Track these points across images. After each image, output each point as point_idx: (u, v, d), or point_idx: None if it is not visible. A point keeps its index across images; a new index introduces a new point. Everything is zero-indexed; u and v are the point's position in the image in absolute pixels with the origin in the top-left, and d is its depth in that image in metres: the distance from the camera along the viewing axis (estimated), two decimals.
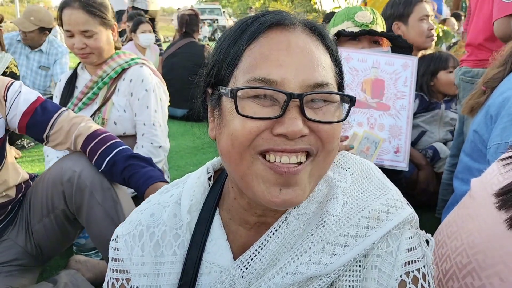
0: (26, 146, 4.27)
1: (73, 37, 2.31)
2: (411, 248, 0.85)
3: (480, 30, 2.66)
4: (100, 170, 1.77)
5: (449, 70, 3.01)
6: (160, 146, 2.46)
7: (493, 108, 1.74)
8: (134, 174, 1.73)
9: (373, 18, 2.11)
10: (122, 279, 0.96)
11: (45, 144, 1.86)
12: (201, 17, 6.16)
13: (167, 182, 1.18)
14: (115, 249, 0.97)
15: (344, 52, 1.94)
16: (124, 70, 2.46)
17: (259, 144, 0.75)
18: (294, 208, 0.85)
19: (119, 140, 1.84)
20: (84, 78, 2.50)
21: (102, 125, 2.39)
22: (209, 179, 0.96)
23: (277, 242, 0.85)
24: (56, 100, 2.56)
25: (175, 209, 0.94)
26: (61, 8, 2.32)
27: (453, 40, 5.70)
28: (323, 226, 0.83)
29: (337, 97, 0.79)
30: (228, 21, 30.57)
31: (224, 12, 31.35)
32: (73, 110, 2.44)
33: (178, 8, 13.31)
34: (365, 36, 2.11)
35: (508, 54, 1.83)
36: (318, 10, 11.17)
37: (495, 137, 1.67)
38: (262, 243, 0.85)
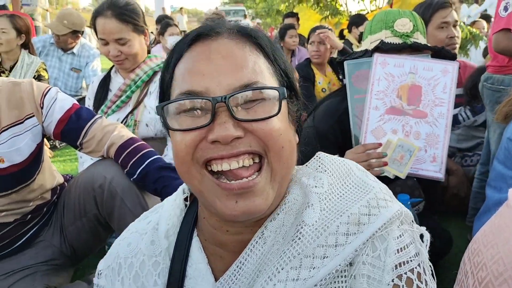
0: (58, 146, 4.39)
1: (108, 45, 2.36)
2: (401, 248, 0.77)
3: None
4: (132, 179, 1.81)
5: None
6: None
7: None
8: (167, 185, 1.76)
9: (414, 25, 2.05)
10: None
11: (79, 151, 1.91)
12: (226, 18, 6.20)
13: None
14: (97, 286, 0.96)
15: (380, 57, 1.90)
16: (155, 73, 2.50)
17: (200, 155, 0.74)
18: (271, 221, 0.81)
19: (151, 149, 1.87)
20: (117, 82, 2.56)
21: (134, 127, 2.44)
22: (186, 199, 0.93)
23: (255, 260, 0.80)
24: (89, 102, 2.62)
25: (152, 236, 0.91)
26: (94, 17, 2.37)
27: (482, 44, 5.56)
28: (299, 239, 0.77)
29: (272, 94, 0.76)
30: (252, 23, 30.65)
31: (248, 13, 31.44)
32: (106, 112, 2.50)
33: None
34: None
35: None
36: (343, 12, 11.10)
37: None
38: (241, 262, 0.81)
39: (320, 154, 0.91)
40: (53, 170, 2.00)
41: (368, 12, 10.07)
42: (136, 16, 2.39)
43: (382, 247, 0.77)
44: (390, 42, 2.00)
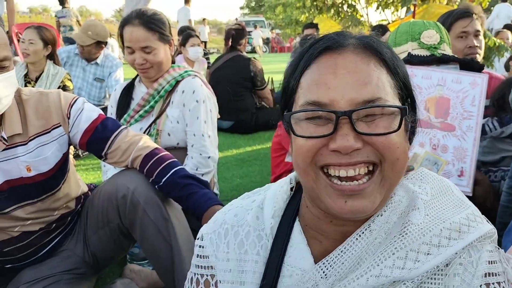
0: (81, 155, 4.44)
1: (134, 53, 2.40)
2: (491, 261, 0.85)
3: None
4: (157, 187, 1.82)
5: None
6: (209, 157, 2.49)
7: None
8: (193, 193, 1.77)
9: (440, 37, 2.02)
10: (207, 275, 1.01)
11: (103, 161, 1.93)
12: (246, 29, 6.24)
13: (223, 205, 1.23)
14: (200, 247, 1.03)
15: (408, 69, 1.89)
16: (178, 82, 2.52)
17: (319, 159, 0.82)
18: (377, 216, 0.88)
19: (175, 160, 1.88)
20: (141, 91, 2.58)
21: (157, 136, 2.46)
22: (291, 189, 1.02)
23: (359, 247, 0.87)
24: (112, 110, 2.65)
25: (257, 213, 1.00)
26: (122, 26, 2.42)
27: (507, 54, 5.46)
28: (406, 234, 0.85)
29: (393, 110, 0.82)
30: (272, 33, 30.78)
31: (268, 24, 31.61)
32: (129, 121, 2.52)
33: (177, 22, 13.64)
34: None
35: None
36: (364, 23, 11.07)
37: None
38: (345, 248, 0.88)
39: (422, 169, 0.99)
40: (78, 179, 2.02)
41: (389, 23, 10.01)
42: (162, 26, 2.44)
43: (477, 255, 0.85)
44: (418, 55, 1.97)
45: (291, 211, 0.98)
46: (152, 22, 2.39)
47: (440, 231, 0.85)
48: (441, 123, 1.84)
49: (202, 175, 2.45)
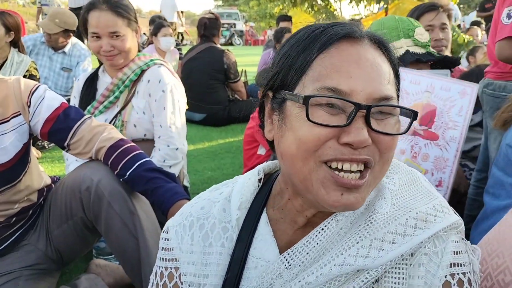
0: (47, 147, 4.31)
1: (100, 39, 2.31)
2: (457, 252, 0.85)
3: None
4: (122, 180, 1.76)
5: None
6: (177, 148, 2.43)
7: None
8: (158, 187, 1.72)
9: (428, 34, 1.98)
10: (171, 268, 1.00)
11: (66, 152, 1.85)
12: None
13: (189, 199, 1.21)
14: (165, 239, 1.02)
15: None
16: (143, 71, 2.45)
17: (325, 153, 0.78)
18: None
19: (141, 151, 1.82)
20: (105, 81, 2.50)
21: (122, 127, 2.39)
22: (259, 181, 1.00)
23: (325, 238, 0.87)
24: (75, 100, 2.55)
25: (224, 205, 0.99)
26: (88, 10, 2.32)
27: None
28: (371, 223, 0.85)
29: (398, 110, 0.83)
30: (246, 26, 30.66)
31: (242, 16, 31.47)
32: (93, 113, 2.44)
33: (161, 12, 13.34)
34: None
35: None
36: (337, 16, 11.13)
37: None
38: (311, 238, 0.88)
39: (393, 160, 0.95)
40: (41, 171, 1.94)
41: (362, 17, 10.09)
42: (130, 11, 2.37)
43: (442, 245, 0.85)
44: (416, 52, 1.93)
45: (258, 203, 0.97)
46: (120, 7, 2.32)
47: (406, 220, 0.85)
48: (425, 131, 1.80)
49: (170, 167, 2.40)
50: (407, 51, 1.95)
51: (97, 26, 2.29)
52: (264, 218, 0.95)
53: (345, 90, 0.77)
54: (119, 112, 2.42)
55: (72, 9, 6.97)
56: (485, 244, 1.15)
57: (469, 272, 0.85)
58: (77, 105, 2.52)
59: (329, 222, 0.88)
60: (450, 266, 0.83)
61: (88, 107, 2.45)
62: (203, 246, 0.96)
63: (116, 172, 1.75)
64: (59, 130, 1.75)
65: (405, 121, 0.84)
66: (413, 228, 0.85)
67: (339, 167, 0.78)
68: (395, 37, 2.02)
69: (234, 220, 0.95)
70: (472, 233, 1.94)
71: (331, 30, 0.82)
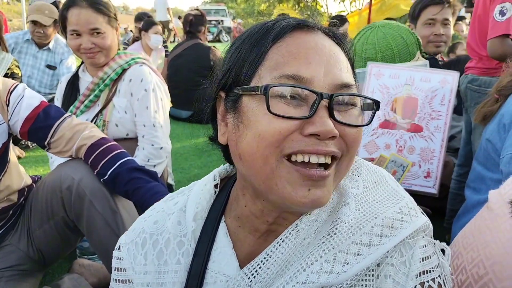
0: (30, 146, 4.26)
1: (80, 37, 2.29)
2: (425, 257, 0.81)
3: (484, 40, 2.57)
4: (102, 180, 1.74)
5: None
6: (161, 148, 2.42)
7: (506, 116, 1.71)
8: (138, 188, 1.69)
9: None
10: None
11: (47, 151, 1.83)
12: (207, 18, 6.14)
13: None
14: (118, 258, 0.96)
15: (375, 68, 1.82)
16: (124, 70, 2.42)
17: (288, 146, 0.73)
18: (306, 215, 0.83)
19: (123, 150, 1.80)
20: (86, 81, 2.47)
21: (103, 127, 2.36)
22: (215, 186, 0.94)
23: (286, 250, 0.82)
24: (58, 103, 2.52)
25: (179, 217, 0.92)
26: (67, 7, 2.28)
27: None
28: (335, 234, 0.80)
29: (360, 102, 0.79)
30: (234, 23, 30.58)
31: (229, 13, 31.37)
32: (75, 113, 2.41)
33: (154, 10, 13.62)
34: None
35: None
36: (323, 13, 11.16)
37: (508, 146, 1.64)
38: (271, 251, 0.82)
39: (357, 159, 0.92)
40: (21, 171, 1.91)
41: (348, 13, 10.12)
42: (110, 9, 2.35)
43: (409, 253, 0.81)
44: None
45: (215, 212, 0.91)
46: (101, 4, 2.30)
47: (371, 229, 0.80)
48: (408, 124, 1.80)
49: (154, 166, 2.38)
50: (432, 58, 1.97)
51: (77, 23, 2.26)
52: (222, 228, 0.89)
53: (306, 77, 0.73)
54: (100, 111, 2.40)
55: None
56: (461, 238, 1.16)
57: (439, 275, 0.82)
58: (59, 106, 2.48)
59: (289, 233, 0.82)
60: (420, 275, 0.80)
61: (70, 107, 2.43)
62: (158, 264, 0.90)
63: (96, 171, 1.73)
64: (39, 128, 1.73)
65: (367, 114, 0.81)
66: (379, 237, 0.80)
67: (305, 160, 0.73)
68: (415, 54, 2.05)
69: (190, 232, 0.89)
70: (453, 227, 1.97)
71: (283, 22, 0.80)
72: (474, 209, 1.80)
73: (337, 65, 0.76)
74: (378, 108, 0.80)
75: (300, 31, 0.78)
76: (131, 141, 2.42)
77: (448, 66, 2.99)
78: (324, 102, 0.73)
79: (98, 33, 2.29)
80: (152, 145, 2.39)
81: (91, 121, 2.38)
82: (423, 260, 0.81)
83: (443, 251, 0.87)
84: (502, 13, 2.35)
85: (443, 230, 2.58)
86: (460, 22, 7.87)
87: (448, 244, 1.17)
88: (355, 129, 0.76)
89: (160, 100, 2.45)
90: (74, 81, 2.52)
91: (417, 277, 0.79)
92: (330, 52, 0.77)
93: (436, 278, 0.81)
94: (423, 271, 0.80)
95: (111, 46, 2.35)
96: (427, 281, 0.80)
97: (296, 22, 0.79)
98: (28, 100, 1.72)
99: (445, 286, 0.82)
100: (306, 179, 0.73)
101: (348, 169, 0.81)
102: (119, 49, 2.50)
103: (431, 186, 1.80)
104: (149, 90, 2.39)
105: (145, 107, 2.38)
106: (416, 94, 1.83)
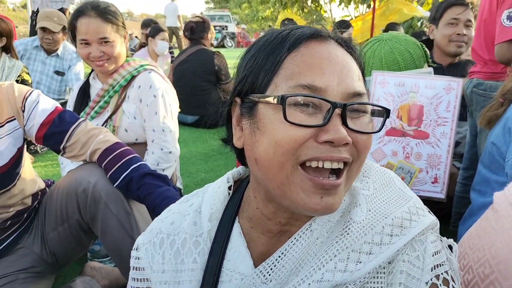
0: (40, 151, 4.31)
1: (89, 45, 2.33)
2: (436, 252, 0.85)
3: (490, 45, 2.58)
4: (115, 186, 1.78)
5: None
6: (170, 152, 2.46)
7: (511, 120, 1.73)
8: (150, 193, 1.73)
9: None
10: None
11: (61, 155, 1.87)
12: (211, 23, 6.19)
13: None
14: (136, 258, 0.99)
15: (380, 76, 1.84)
16: (133, 77, 2.47)
17: (304, 154, 0.76)
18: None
19: (136, 155, 1.84)
20: (96, 88, 2.52)
21: (113, 132, 2.40)
22: (229, 188, 0.97)
23: (300, 249, 0.85)
24: (70, 109, 2.57)
25: (195, 218, 0.95)
26: (76, 17, 2.33)
27: None
28: (348, 234, 0.84)
29: (370, 108, 0.82)
30: (238, 28, 30.68)
31: (233, 19, 31.48)
32: (85, 119, 2.45)
33: (164, 16, 13.91)
34: None
35: None
36: (327, 19, 11.20)
37: None
38: (286, 249, 0.86)
39: (366, 161, 0.94)
40: (34, 175, 1.95)
41: (352, 18, 10.16)
42: (118, 18, 2.39)
43: (421, 248, 0.84)
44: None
45: (229, 213, 0.94)
46: (109, 13, 2.34)
47: (382, 228, 0.84)
48: (415, 131, 1.82)
49: (163, 170, 2.42)
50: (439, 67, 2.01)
51: (86, 33, 2.31)
52: (236, 228, 0.92)
53: (320, 86, 0.76)
54: (110, 117, 2.44)
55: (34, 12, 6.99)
56: (467, 239, 1.19)
57: (449, 269, 0.85)
58: None
59: (303, 233, 0.86)
60: (434, 268, 0.83)
61: (81, 114, 2.48)
62: (175, 263, 0.94)
63: (109, 175, 1.77)
64: (54, 133, 1.77)
65: (377, 120, 0.85)
66: (390, 236, 0.83)
67: (319, 165, 0.76)
68: (423, 64, 2.08)
69: (205, 232, 0.93)
70: (459, 230, 1.98)
71: (298, 31, 0.83)
72: (479, 212, 1.82)
73: (350, 74, 0.79)
74: (388, 116, 0.83)
75: (315, 41, 0.81)
76: (140, 146, 2.46)
77: (448, 69, 3.02)
78: (338, 111, 0.75)
79: (106, 42, 2.33)
80: (162, 149, 2.43)
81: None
82: (435, 254, 0.84)
83: (450, 247, 0.90)
84: (510, 18, 2.36)
85: (449, 233, 2.60)
86: None
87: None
88: (366, 135, 0.79)
89: (169, 105, 2.49)
90: (85, 88, 2.57)
91: (432, 270, 0.82)
92: (343, 62, 0.80)
93: (448, 270, 0.84)
94: (437, 265, 0.83)
95: (119, 54, 2.40)
96: (442, 274, 0.83)
97: (310, 32, 0.82)
98: (43, 106, 1.76)
99: (455, 279, 0.86)
100: (319, 187, 0.76)
101: (358, 173, 0.84)
102: (128, 56, 2.55)
103: (439, 191, 1.82)
104: (158, 96, 2.43)
105: (154, 113, 2.43)
106: (422, 101, 1.86)
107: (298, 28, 0.84)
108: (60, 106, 1.84)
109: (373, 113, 0.83)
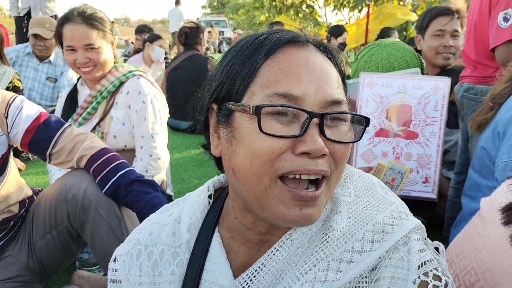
0: (31, 159, 4.27)
1: (75, 52, 2.32)
2: (421, 249, 0.81)
3: (481, 48, 2.56)
4: (103, 192, 1.76)
5: None
6: (159, 158, 2.44)
7: (500, 124, 1.72)
8: (137, 201, 1.71)
9: None
10: None
11: (48, 162, 1.85)
12: (207, 29, 6.21)
13: None
14: (113, 270, 0.97)
15: (367, 78, 1.84)
16: (122, 83, 2.45)
17: (281, 167, 0.73)
18: None
19: (123, 161, 1.82)
20: (84, 94, 2.50)
21: (102, 139, 2.38)
22: (210, 197, 0.94)
23: (280, 259, 0.82)
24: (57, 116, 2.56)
25: (174, 228, 0.93)
26: (62, 24, 2.32)
27: None
28: (327, 242, 0.81)
29: (349, 116, 0.79)
30: (234, 33, 30.76)
31: (230, 24, 31.55)
32: (71, 124, 2.44)
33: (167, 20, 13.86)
34: None
35: None
36: (322, 23, 11.23)
37: (503, 154, 1.65)
38: (266, 260, 0.83)
39: (348, 166, 0.92)
40: (22, 183, 1.93)
41: (346, 23, 10.19)
42: (105, 24, 2.38)
43: (405, 249, 0.81)
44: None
45: (209, 222, 0.91)
46: (95, 19, 2.33)
47: (362, 235, 0.81)
48: (404, 131, 1.83)
49: (152, 177, 2.40)
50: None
51: (72, 39, 2.29)
52: (216, 238, 0.89)
53: (297, 95, 0.73)
54: (98, 123, 2.43)
55: (17, 18, 6.98)
56: (454, 246, 1.17)
57: (438, 265, 0.81)
58: None
59: (284, 242, 0.83)
60: (421, 266, 0.79)
61: (68, 120, 2.45)
62: (153, 275, 0.91)
63: (96, 181, 1.75)
64: (40, 140, 1.75)
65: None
66: (371, 243, 0.81)
67: (297, 177, 0.74)
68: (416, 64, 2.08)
69: (184, 243, 0.90)
70: (450, 235, 1.97)
71: (275, 36, 0.80)
72: (470, 217, 1.79)
73: (328, 81, 0.77)
74: (368, 125, 0.80)
75: (292, 47, 0.78)
76: (129, 152, 2.44)
77: (443, 75, 2.99)
78: (315, 120, 0.73)
79: (92, 48, 2.31)
80: (150, 155, 2.41)
81: None
82: (420, 252, 0.81)
83: (436, 249, 0.88)
84: (506, 19, 2.33)
85: (442, 239, 2.58)
86: None
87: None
88: (344, 145, 0.77)
89: (158, 111, 2.48)
90: (72, 94, 2.55)
91: (419, 268, 0.79)
92: (321, 69, 0.77)
93: (438, 267, 0.80)
94: (424, 262, 0.80)
95: (105, 60, 2.38)
96: (430, 270, 0.79)
97: (288, 38, 0.79)
98: (27, 111, 1.74)
99: (446, 274, 0.81)
100: (298, 199, 0.74)
101: (338, 183, 0.82)
102: (116, 62, 2.53)
103: (430, 191, 1.83)
104: (147, 102, 2.41)
105: (143, 119, 2.41)
106: (410, 102, 1.86)
107: (276, 33, 0.81)
108: (45, 111, 1.82)
109: (352, 121, 0.80)
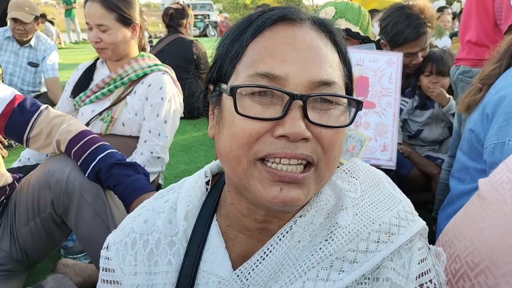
0: (14, 145, 4.20)
1: (91, 29, 2.33)
2: (422, 259, 0.81)
3: (481, 28, 2.52)
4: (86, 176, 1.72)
5: (425, 74, 2.93)
6: (159, 157, 2.40)
7: (489, 106, 1.71)
8: (119, 184, 1.68)
9: (336, 12, 2.14)
10: None
11: (27, 146, 1.79)
12: (193, 12, 6.08)
13: (155, 191, 1.12)
14: (106, 258, 0.93)
15: None
16: (145, 75, 2.41)
17: (260, 150, 0.70)
18: (300, 216, 0.80)
19: (103, 143, 1.77)
20: (103, 73, 2.48)
21: (109, 123, 2.35)
22: (207, 183, 0.91)
23: (280, 252, 0.79)
24: (68, 87, 2.54)
25: (170, 215, 0.89)
26: (86, 0, 2.35)
27: (446, 36, 5.70)
28: (332, 240, 0.79)
29: (344, 100, 0.75)
30: (220, 17, 30.43)
31: (215, 7, 31.20)
32: (83, 101, 2.43)
33: (162, 4, 13.74)
34: None
35: (504, 51, 1.79)
36: (308, 7, 11.15)
37: (492, 136, 1.64)
38: (265, 253, 0.80)
39: (355, 160, 0.92)
40: (1, 170, 1.87)
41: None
42: (124, 6, 2.33)
43: (407, 256, 0.81)
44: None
45: (207, 210, 0.88)
46: (111, 1, 2.30)
47: (368, 235, 0.79)
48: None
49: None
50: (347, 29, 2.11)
51: (87, 16, 2.33)
52: (214, 227, 0.86)
53: (279, 75, 0.70)
54: (110, 107, 2.38)
55: None
56: (452, 227, 1.16)
57: (435, 276, 0.82)
58: (69, 92, 2.52)
59: (283, 235, 0.80)
60: (419, 277, 0.80)
61: (80, 94, 2.44)
62: (148, 265, 0.87)
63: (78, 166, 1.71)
64: (16, 124, 1.71)
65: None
66: (376, 243, 0.79)
67: (277, 168, 0.70)
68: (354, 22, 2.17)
69: (181, 232, 0.86)
70: (439, 217, 1.97)
71: (267, 14, 0.76)
72: (458, 199, 1.81)
73: (317, 60, 0.72)
74: (360, 108, 0.76)
75: (282, 24, 0.75)
76: (132, 139, 2.41)
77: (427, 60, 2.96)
78: (299, 102, 0.69)
79: (104, 29, 2.31)
80: (151, 152, 2.37)
81: (98, 115, 2.37)
82: (421, 262, 0.81)
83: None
84: None
85: (431, 220, 2.60)
86: (445, 13, 7.82)
87: (434, 233, 1.18)
88: (333, 130, 0.72)
89: (173, 112, 2.44)
90: (90, 69, 2.53)
91: (416, 279, 0.79)
92: (310, 47, 0.73)
93: (433, 279, 0.81)
94: (422, 273, 0.80)
95: (118, 44, 2.35)
96: (426, 283, 0.80)
97: (278, 15, 0.75)
98: (0, 94, 1.68)
99: (441, 286, 0.83)
100: (277, 179, 0.71)
101: (331, 172, 0.77)
102: (144, 50, 2.52)
103: (388, 159, 1.92)
104: (165, 99, 2.38)
105: (156, 114, 2.37)
106: (367, 74, 1.97)
107: (270, 10, 0.78)
108: (19, 94, 1.76)
109: (349, 103, 0.76)
